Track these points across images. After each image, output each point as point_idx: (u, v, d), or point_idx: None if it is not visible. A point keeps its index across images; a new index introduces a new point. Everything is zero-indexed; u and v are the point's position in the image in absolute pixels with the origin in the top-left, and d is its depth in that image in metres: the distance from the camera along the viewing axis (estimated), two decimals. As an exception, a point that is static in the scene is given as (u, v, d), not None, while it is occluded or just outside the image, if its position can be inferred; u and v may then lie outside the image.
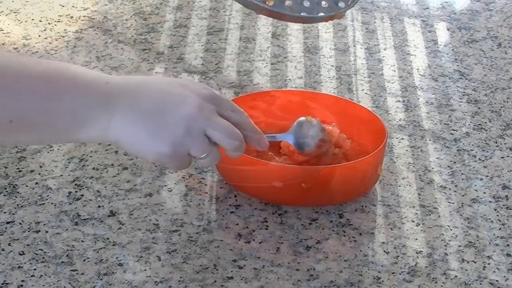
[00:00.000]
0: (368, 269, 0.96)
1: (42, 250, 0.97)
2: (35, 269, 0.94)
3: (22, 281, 0.93)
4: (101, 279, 0.93)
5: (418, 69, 1.38)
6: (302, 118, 1.03)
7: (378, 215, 1.05)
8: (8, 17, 1.50)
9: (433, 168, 1.13)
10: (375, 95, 1.30)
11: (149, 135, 0.82)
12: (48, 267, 0.95)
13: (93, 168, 1.11)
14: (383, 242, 1.00)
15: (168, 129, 0.83)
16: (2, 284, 0.92)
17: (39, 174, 1.10)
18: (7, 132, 0.79)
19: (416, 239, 1.00)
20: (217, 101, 0.87)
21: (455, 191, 1.09)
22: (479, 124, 1.23)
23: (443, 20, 1.55)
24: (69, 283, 0.93)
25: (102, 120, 0.81)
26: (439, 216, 1.04)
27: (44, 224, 1.01)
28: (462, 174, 1.12)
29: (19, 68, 0.79)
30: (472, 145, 1.18)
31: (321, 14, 1.23)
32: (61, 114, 0.80)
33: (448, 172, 1.12)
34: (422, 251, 0.98)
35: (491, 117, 1.25)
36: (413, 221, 1.03)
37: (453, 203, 1.07)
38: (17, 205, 1.04)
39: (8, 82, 0.77)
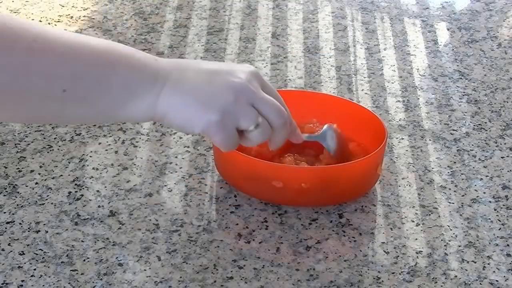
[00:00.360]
0: (368, 269, 0.96)
1: (42, 250, 0.97)
2: (35, 269, 0.94)
3: (22, 281, 0.93)
4: (101, 279, 0.93)
5: (418, 69, 1.38)
6: (331, 125, 1.06)
7: (378, 215, 1.05)
8: (8, 17, 1.50)
9: (433, 168, 1.13)
10: (375, 95, 1.30)
11: (197, 103, 0.83)
12: (48, 267, 0.95)
13: (93, 168, 1.11)
14: (383, 242, 1.00)
15: (217, 98, 0.83)
16: (2, 284, 0.92)
17: (39, 174, 1.10)
18: (60, 103, 0.79)
19: (416, 239, 1.00)
20: (263, 81, 0.88)
21: (455, 191, 1.09)
22: (479, 124, 1.23)
23: (443, 20, 1.55)
24: (69, 283, 0.93)
25: (152, 94, 0.82)
26: (439, 216, 1.04)
27: (44, 224, 1.01)
28: (462, 174, 1.12)
29: (72, 39, 0.79)
30: (472, 145, 1.18)
31: None
32: (114, 86, 0.81)
33: (448, 172, 1.12)
34: (422, 251, 0.98)
35: (491, 117, 1.25)
36: (413, 221, 1.03)
37: (453, 203, 1.07)
38: (17, 205, 1.04)
39: (62, 51, 0.77)
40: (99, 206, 1.04)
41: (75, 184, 1.08)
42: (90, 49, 0.80)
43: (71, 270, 0.94)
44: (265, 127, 0.87)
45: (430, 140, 1.19)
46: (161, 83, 0.83)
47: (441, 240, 1.00)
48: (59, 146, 1.15)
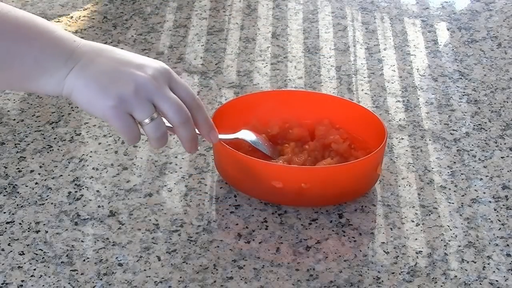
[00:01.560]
0: (368, 269, 0.96)
1: (42, 250, 0.97)
2: (35, 269, 0.94)
3: (22, 281, 0.93)
4: (101, 279, 0.93)
5: (418, 69, 1.38)
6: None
7: (378, 215, 1.05)
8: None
9: (433, 168, 1.13)
10: (375, 95, 1.30)
11: (98, 88, 0.86)
12: (48, 267, 0.95)
13: (93, 168, 1.11)
14: (383, 242, 1.00)
15: (117, 86, 0.86)
16: (2, 284, 0.92)
17: (39, 174, 1.10)
18: None
19: (416, 239, 1.00)
20: (173, 79, 0.90)
21: (455, 191, 1.09)
22: (479, 124, 1.23)
23: (443, 20, 1.55)
24: (69, 283, 0.93)
25: (61, 72, 0.85)
26: (439, 216, 1.04)
27: (44, 224, 1.01)
28: (462, 174, 1.12)
29: None
30: (472, 145, 1.18)
31: None
32: (25, 59, 0.84)
33: (448, 172, 1.12)
34: (422, 251, 0.98)
35: (491, 117, 1.25)
36: (413, 221, 1.03)
37: (453, 203, 1.07)
38: (17, 205, 1.04)
39: None
40: (99, 206, 1.04)
41: (75, 184, 1.08)
42: (10, 20, 0.84)
43: (71, 270, 0.94)
44: (159, 122, 0.89)
45: (430, 140, 1.19)
46: (72, 63, 0.85)
47: (441, 240, 1.00)
48: (59, 146, 1.15)
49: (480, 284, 0.94)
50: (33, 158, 1.13)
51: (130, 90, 0.86)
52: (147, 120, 0.88)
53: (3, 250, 0.97)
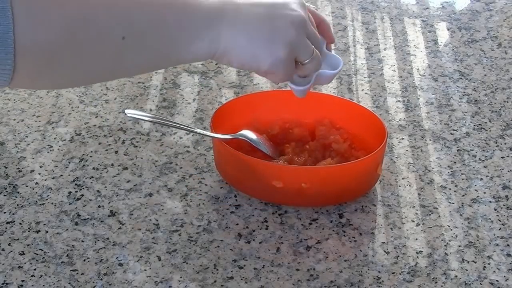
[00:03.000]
0: (368, 269, 0.96)
1: (42, 250, 0.97)
2: (35, 269, 0.94)
3: (22, 281, 0.93)
4: (101, 279, 0.93)
5: (418, 69, 1.38)
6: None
7: (378, 215, 1.05)
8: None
9: (433, 168, 1.13)
10: (375, 95, 1.30)
11: (263, 40, 0.84)
12: (48, 267, 0.95)
13: (93, 168, 1.11)
14: (383, 242, 1.00)
15: (281, 33, 0.84)
16: (2, 284, 0.92)
17: (39, 174, 1.10)
18: (121, 53, 0.78)
19: (416, 239, 1.00)
20: (306, 5, 0.91)
21: (455, 191, 1.09)
22: (479, 124, 1.23)
23: (443, 20, 1.55)
24: (69, 283, 0.93)
25: (212, 31, 0.81)
26: (439, 216, 1.04)
27: (44, 224, 1.01)
28: (462, 174, 1.12)
29: None
30: (472, 145, 1.18)
31: None
32: (171, 26, 0.79)
33: (448, 172, 1.12)
34: (422, 251, 0.98)
35: (491, 117, 1.25)
36: (413, 221, 1.03)
37: (453, 203, 1.07)
38: (17, 205, 1.04)
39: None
40: (99, 206, 1.04)
41: (75, 184, 1.08)
42: None
43: (71, 270, 0.94)
44: (317, 58, 0.90)
45: (430, 140, 1.19)
46: (219, 21, 0.82)
47: (441, 240, 1.00)
48: (59, 146, 1.15)
49: (481, 284, 0.94)
50: (33, 158, 1.13)
51: (293, 35, 0.85)
52: (307, 60, 0.88)
53: (3, 250, 0.97)
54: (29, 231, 1.00)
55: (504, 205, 1.07)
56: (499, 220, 1.04)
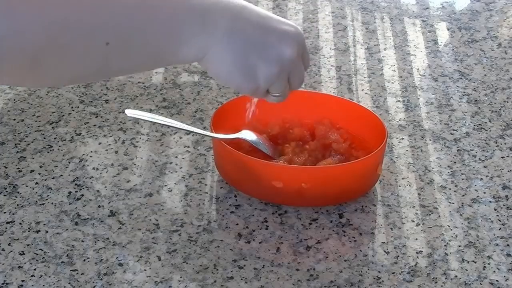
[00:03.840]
0: (368, 269, 0.96)
1: (42, 250, 0.97)
2: (35, 269, 0.94)
3: (22, 281, 0.93)
4: (101, 279, 0.93)
5: (418, 69, 1.38)
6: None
7: (378, 215, 1.05)
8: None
9: (433, 168, 1.13)
10: (375, 95, 1.30)
11: (245, 68, 0.84)
12: (48, 267, 0.95)
13: (93, 168, 1.11)
14: (383, 242, 1.00)
15: (264, 67, 0.85)
16: (2, 284, 0.92)
17: (39, 174, 1.10)
18: (105, 57, 0.76)
19: (416, 239, 1.00)
20: (304, 46, 0.90)
21: (455, 191, 1.09)
22: (479, 124, 1.23)
23: (443, 20, 1.55)
24: (69, 283, 0.93)
25: (201, 37, 0.80)
26: (439, 216, 1.04)
27: (44, 224, 1.01)
28: (462, 174, 1.12)
29: None
30: (472, 145, 1.18)
31: None
32: (157, 31, 0.77)
33: (448, 172, 1.12)
34: (422, 251, 0.98)
35: (491, 117, 1.25)
36: (413, 221, 1.03)
37: (453, 203, 1.07)
38: (17, 205, 1.04)
39: (102, 2, 0.74)
40: (99, 206, 1.04)
41: (75, 184, 1.08)
42: None
43: (71, 270, 0.94)
44: (287, 94, 0.92)
45: (430, 140, 1.19)
46: (211, 27, 0.80)
47: (441, 240, 1.00)
48: (59, 146, 1.15)
49: (481, 284, 0.94)
50: (33, 158, 1.13)
51: (276, 72, 0.86)
52: (277, 94, 0.90)
53: (3, 250, 0.97)
54: (29, 231, 1.00)
55: (504, 205, 1.07)
56: (499, 220, 1.04)
